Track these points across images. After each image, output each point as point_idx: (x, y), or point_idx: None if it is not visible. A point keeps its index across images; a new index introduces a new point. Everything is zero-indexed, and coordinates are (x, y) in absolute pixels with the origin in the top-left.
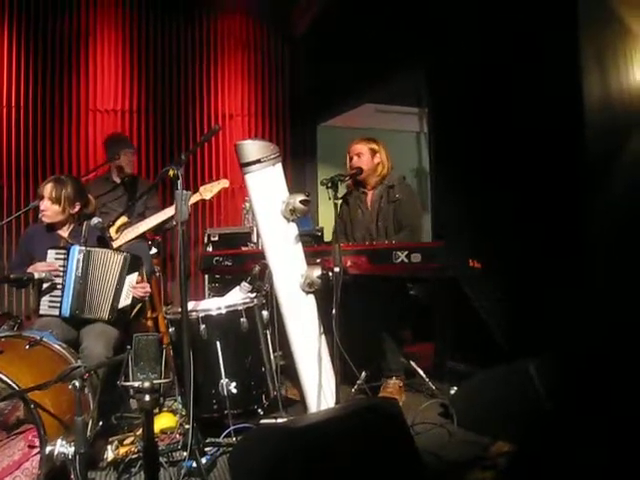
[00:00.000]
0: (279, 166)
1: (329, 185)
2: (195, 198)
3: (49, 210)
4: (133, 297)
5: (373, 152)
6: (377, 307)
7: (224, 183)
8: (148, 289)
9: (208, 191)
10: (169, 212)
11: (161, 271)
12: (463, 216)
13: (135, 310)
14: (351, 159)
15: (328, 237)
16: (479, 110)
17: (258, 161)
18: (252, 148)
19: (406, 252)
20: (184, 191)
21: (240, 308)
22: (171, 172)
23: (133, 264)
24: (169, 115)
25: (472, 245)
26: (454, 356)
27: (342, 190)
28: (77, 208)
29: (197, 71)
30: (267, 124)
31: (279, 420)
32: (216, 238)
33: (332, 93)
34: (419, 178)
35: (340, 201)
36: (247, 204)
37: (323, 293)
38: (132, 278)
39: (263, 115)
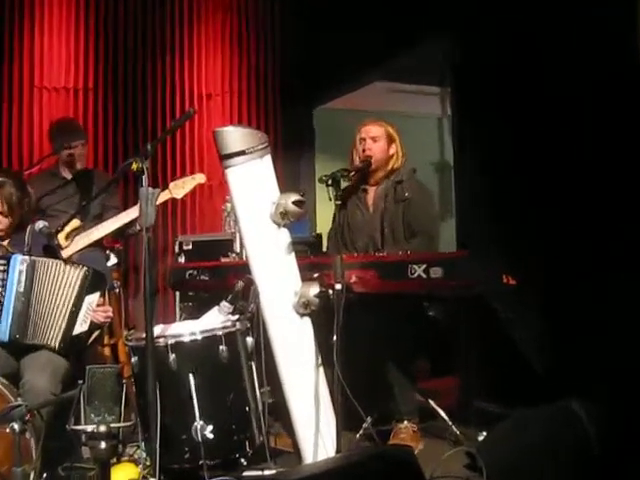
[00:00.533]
0: (268, 159)
1: (329, 182)
2: (164, 197)
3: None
4: (91, 322)
5: (390, 139)
6: (387, 333)
7: (199, 178)
8: (110, 313)
9: (180, 188)
10: (132, 214)
11: (122, 286)
12: (494, 220)
13: (92, 338)
14: (362, 141)
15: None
16: (516, 90)
17: (242, 152)
18: (234, 136)
19: (424, 265)
20: (150, 189)
21: (219, 333)
22: (134, 165)
23: (95, 282)
24: (132, 95)
25: (505, 256)
26: (482, 393)
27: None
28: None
29: (167, 40)
30: (253, 106)
31: (266, 472)
32: (190, 247)
33: (333, 68)
34: (440, 173)
35: (339, 201)
36: (228, 205)
37: (322, 316)
38: (92, 299)
39: (248, 95)
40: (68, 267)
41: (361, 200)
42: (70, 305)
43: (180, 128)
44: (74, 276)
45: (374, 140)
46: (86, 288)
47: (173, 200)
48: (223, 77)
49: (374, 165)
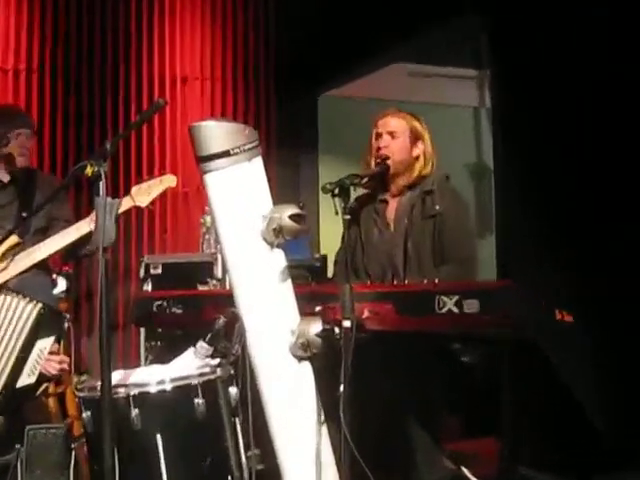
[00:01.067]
0: (258, 161)
1: (336, 192)
2: (125, 205)
3: None
4: (41, 373)
5: (415, 136)
6: (409, 382)
7: (169, 181)
8: (65, 365)
9: (144, 194)
10: (84, 229)
11: (72, 320)
12: (546, 239)
13: (40, 390)
14: (378, 136)
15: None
16: (576, 74)
17: (225, 153)
18: (216, 133)
19: (456, 297)
20: (109, 199)
21: (194, 382)
22: (89, 169)
23: (50, 322)
24: (88, 79)
25: (560, 286)
26: (529, 459)
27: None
28: None
29: (132, 12)
30: (240, 94)
31: None
32: (158, 270)
33: (342, 46)
34: (477, 179)
35: (347, 215)
36: (208, 219)
37: (325, 360)
38: (45, 344)
39: (234, 80)
40: (19, 302)
41: (379, 214)
42: (17, 349)
43: (147, 122)
44: (25, 313)
45: (392, 136)
46: (39, 330)
47: (137, 210)
48: (202, 57)
49: (392, 169)
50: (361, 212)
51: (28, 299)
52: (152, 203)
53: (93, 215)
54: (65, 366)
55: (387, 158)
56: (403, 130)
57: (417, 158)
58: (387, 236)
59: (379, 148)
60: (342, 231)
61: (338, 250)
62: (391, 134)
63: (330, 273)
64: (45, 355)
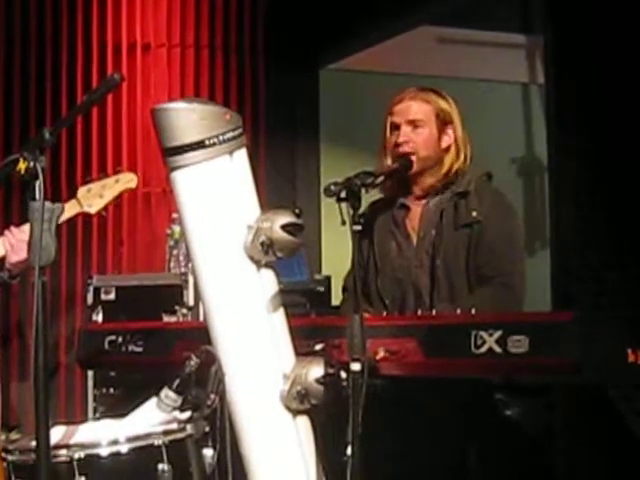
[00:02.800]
0: (242, 155)
1: (342, 195)
2: (69, 211)
3: None
4: None
5: (443, 121)
6: (435, 443)
7: (127, 181)
8: None
9: (95, 196)
10: (16, 245)
11: None
12: (615, 259)
13: None
14: (395, 128)
15: (340, 297)
16: None
17: (199, 144)
18: (187, 118)
19: (498, 333)
20: (49, 203)
21: (158, 443)
22: (22, 164)
23: None
24: (21, 48)
25: (633, 319)
26: None
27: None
28: None
29: None
30: (219, 67)
31: None
32: (111, 296)
33: (350, 5)
34: (527, 176)
35: (358, 226)
36: (175, 228)
37: (328, 414)
38: None
39: (211, 48)
40: None
41: (397, 224)
42: None
43: (98, 104)
44: None
45: (415, 125)
46: None
47: (84, 217)
48: (170, 18)
49: (417, 166)
50: (375, 222)
51: None
52: (105, 209)
53: (17, 232)
54: None
55: (411, 154)
56: (428, 117)
57: (447, 149)
58: (408, 252)
59: (397, 144)
60: (350, 245)
61: (347, 272)
62: (412, 123)
63: (336, 300)
64: None
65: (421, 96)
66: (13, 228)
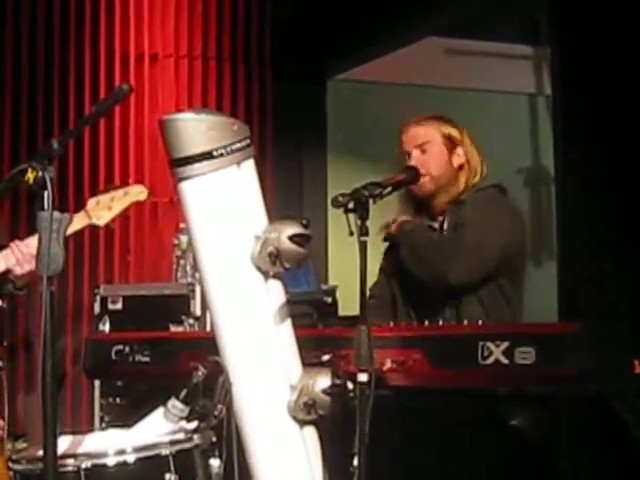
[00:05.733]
0: (250, 165)
1: (350, 206)
2: (78, 223)
3: None
4: None
5: (451, 141)
6: (442, 454)
7: (136, 193)
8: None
9: (104, 209)
10: (21, 258)
11: (5, 372)
12: (623, 269)
13: None
14: (406, 156)
15: (347, 307)
16: None
17: (207, 155)
18: (195, 129)
19: (505, 344)
20: (57, 213)
21: (165, 452)
22: (31, 173)
23: None
24: (29, 58)
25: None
26: None
27: (380, 214)
28: None
29: None
30: (227, 78)
31: None
32: (118, 306)
33: (358, 15)
34: (534, 187)
35: (365, 237)
36: (183, 238)
37: (335, 425)
38: None
39: (219, 58)
40: None
41: None
42: None
43: (107, 115)
44: None
45: (422, 149)
46: None
47: (92, 229)
48: (177, 28)
49: (431, 185)
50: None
51: None
52: (113, 221)
53: (22, 245)
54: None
55: (414, 171)
56: (434, 137)
57: (460, 167)
58: None
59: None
60: (358, 257)
61: (374, 282)
62: (420, 147)
63: (343, 310)
64: None
65: (425, 122)
66: (18, 242)
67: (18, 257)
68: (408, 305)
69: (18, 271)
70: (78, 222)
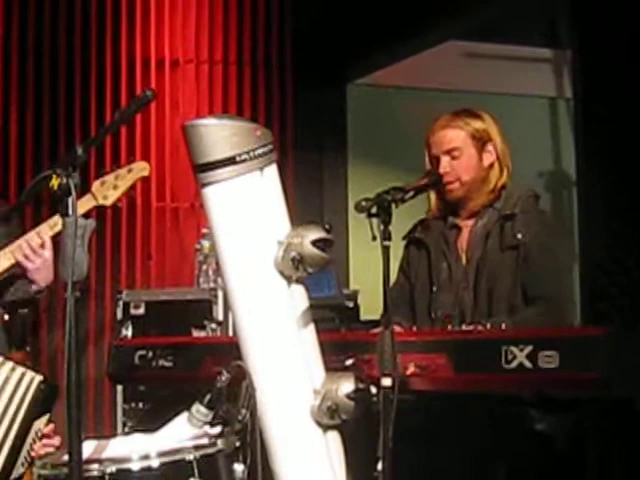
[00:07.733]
0: (272, 171)
1: (373, 211)
2: (86, 205)
3: None
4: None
5: (481, 141)
6: (466, 458)
7: (140, 170)
8: (53, 448)
9: (109, 189)
10: (38, 263)
11: None
12: None
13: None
14: (434, 161)
15: (369, 312)
16: None
17: (230, 161)
18: (218, 135)
19: (529, 348)
20: (82, 219)
21: (189, 458)
22: (54, 180)
23: (49, 397)
24: (50, 64)
25: None
26: None
27: (404, 218)
28: None
29: None
30: (247, 82)
31: None
32: (141, 311)
33: (378, 20)
34: (554, 191)
35: (388, 242)
36: (205, 243)
37: (358, 429)
38: (40, 425)
39: (240, 63)
40: (7, 369)
41: (449, 244)
42: (12, 435)
43: (130, 121)
44: (22, 387)
45: (452, 156)
46: (38, 407)
47: (113, 232)
48: (198, 34)
49: (462, 191)
50: (428, 240)
51: (22, 369)
52: (119, 200)
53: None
54: (51, 449)
55: (437, 177)
56: (463, 142)
57: (491, 166)
58: (457, 273)
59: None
60: (381, 262)
61: (392, 284)
62: (449, 153)
63: (365, 315)
64: (38, 437)
65: (452, 123)
66: (31, 242)
67: (26, 252)
68: (427, 313)
69: (30, 266)
70: (85, 204)
